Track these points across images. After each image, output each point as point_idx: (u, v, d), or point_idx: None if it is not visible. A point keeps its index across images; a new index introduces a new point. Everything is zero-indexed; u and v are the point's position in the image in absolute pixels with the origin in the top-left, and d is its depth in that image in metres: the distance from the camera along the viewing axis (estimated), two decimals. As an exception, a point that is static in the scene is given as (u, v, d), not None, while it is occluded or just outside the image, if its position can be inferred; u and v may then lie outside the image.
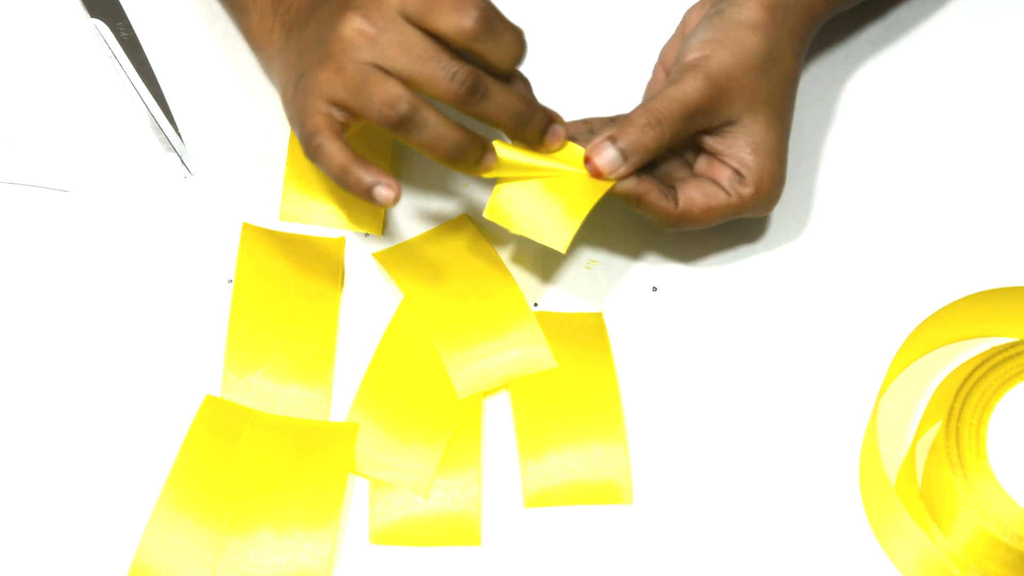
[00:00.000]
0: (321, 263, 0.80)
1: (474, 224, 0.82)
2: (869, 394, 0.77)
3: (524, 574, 0.73)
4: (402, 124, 0.71)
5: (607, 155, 0.75)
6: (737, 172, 0.77)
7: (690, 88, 0.75)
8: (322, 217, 0.83)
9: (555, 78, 0.85)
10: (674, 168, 0.79)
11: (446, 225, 0.82)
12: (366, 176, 0.72)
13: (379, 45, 0.71)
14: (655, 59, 0.83)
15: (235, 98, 0.86)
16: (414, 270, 0.80)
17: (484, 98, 0.72)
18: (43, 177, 0.83)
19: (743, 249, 0.82)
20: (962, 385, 0.72)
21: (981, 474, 0.69)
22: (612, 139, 0.74)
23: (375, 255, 0.81)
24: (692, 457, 0.75)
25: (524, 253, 0.82)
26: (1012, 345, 0.73)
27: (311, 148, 0.73)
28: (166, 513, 0.72)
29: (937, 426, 0.75)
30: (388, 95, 0.71)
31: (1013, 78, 0.87)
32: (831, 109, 0.86)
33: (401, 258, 0.80)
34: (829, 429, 0.76)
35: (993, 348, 0.73)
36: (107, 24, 0.87)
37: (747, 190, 0.77)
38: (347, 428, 0.75)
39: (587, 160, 0.75)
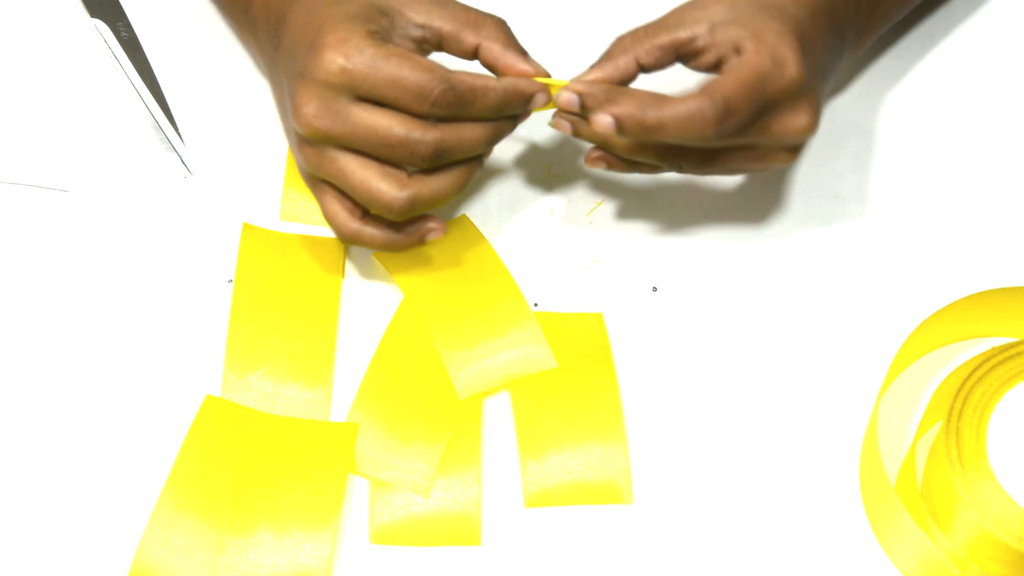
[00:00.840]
0: (321, 263, 0.80)
1: (474, 224, 0.82)
2: (869, 394, 0.77)
3: (524, 574, 0.73)
4: (407, 206, 0.73)
5: (566, 97, 0.73)
6: (735, 49, 0.72)
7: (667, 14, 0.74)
8: (322, 217, 0.82)
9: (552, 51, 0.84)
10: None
11: (446, 225, 0.82)
12: (413, 234, 0.75)
13: (336, 134, 0.71)
14: None
15: (235, 98, 0.86)
16: (414, 270, 0.80)
17: (450, 155, 0.72)
18: (43, 177, 0.83)
19: (743, 249, 0.81)
20: (962, 385, 0.72)
21: (981, 474, 0.69)
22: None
23: (375, 255, 0.81)
24: (692, 457, 0.75)
25: (524, 253, 0.82)
26: (1012, 345, 0.73)
27: (345, 237, 0.75)
28: (166, 513, 0.72)
29: (937, 426, 0.75)
30: (382, 196, 0.72)
31: (1012, 78, 0.87)
32: (830, 111, 0.86)
33: (401, 258, 0.80)
34: (829, 429, 0.76)
35: (993, 348, 0.73)
36: (107, 24, 0.87)
37: (749, 46, 0.71)
38: (347, 428, 0.75)
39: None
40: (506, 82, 0.73)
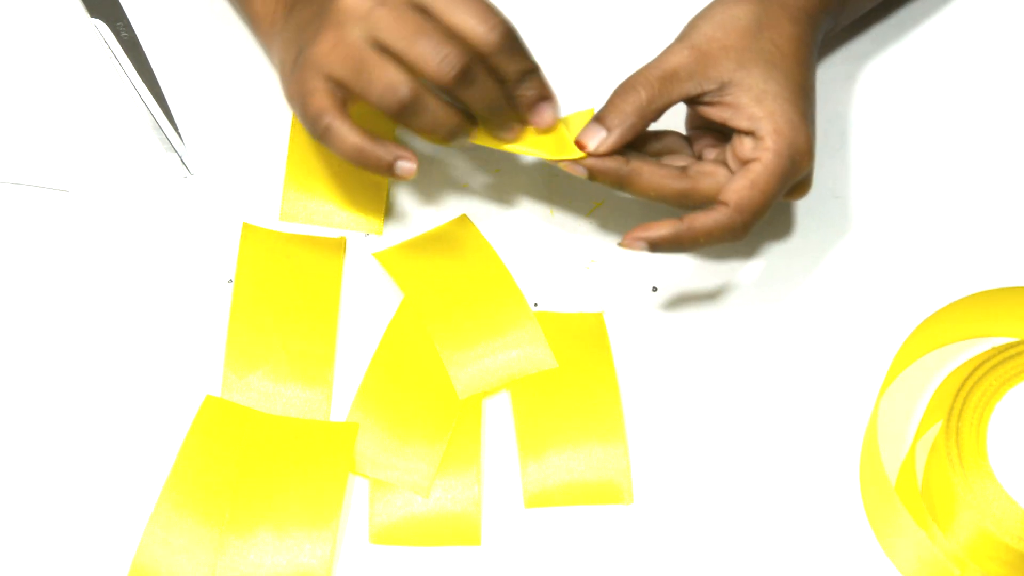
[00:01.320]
0: (321, 263, 0.80)
1: (474, 224, 0.82)
2: (869, 394, 0.77)
3: (524, 574, 0.73)
4: (401, 110, 0.71)
5: (589, 129, 0.74)
6: (751, 133, 0.74)
7: (669, 54, 0.75)
8: (322, 217, 0.83)
9: (565, 76, 0.84)
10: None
11: (446, 225, 0.82)
12: (384, 153, 0.72)
13: (373, 17, 0.71)
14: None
15: (235, 98, 0.86)
16: (414, 270, 0.80)
17: (469, 85, 0.72)
18: (43, 177, 0.83)
19: (743, 249, 0.81)
20: (962, 385, 0.72)
21: (981, 474, 0.69)
22: (596, 117, 0.74)
23: (375, 255, 0.81)
24: (692, 457, 0.75)
25: (524, 253, 0.82)
26: (1012, 345, 0.73)
27: (319, 130, 0.72)
28: (166, 513, 0.72)
29: (937, 426, 0.74)
30: (388, 81, 0.71)
31: (1012, 78, 0.87)
32: (829, 111, 0.86)
33: (401, 258, 0.80)
34: (829, 429, 0.76)
35: (993, 348, 0.73)
36: (107, 24, 0.87)
37: (769, 140, 0.74)
38: (347, 428, 0.75)
39: (577, 142, 0.74)
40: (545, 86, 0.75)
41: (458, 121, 0.73)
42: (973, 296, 0.75)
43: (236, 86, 0.87)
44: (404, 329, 0.78)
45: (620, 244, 0.75)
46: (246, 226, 0.81)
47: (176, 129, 0.85)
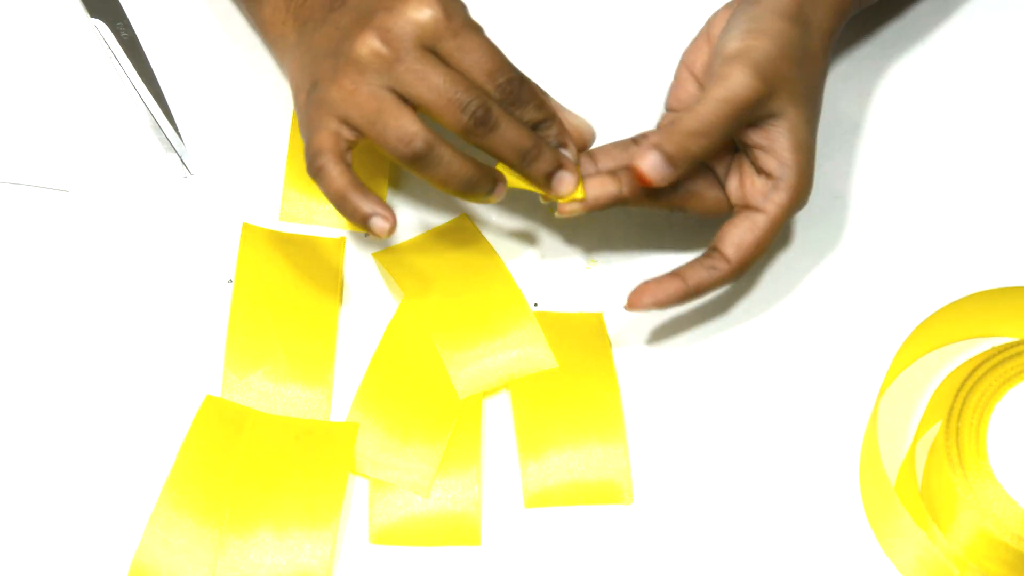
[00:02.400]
0: (321, 263, 0.80)
1: (474, 224, 0.82)
2: (869, 394, 0.77)
3: (524, 574, 0.73)
4: (416, 160, 0.71)
5: (653, 160, 0.72)
6: (771, 176, 0.74)
7: (737, 84, 0.72)
8: (322, 217, 0.83)
9: (572, 82, 0.84)
10: (703, 187, 0.77)
11: (446, 225, 0.82)
12: (364, 205, 0.72)
13: (395, 72, 0.71)
14: (674, 62, 0.80)
15: (235, 98, 0.86)
16: (414, 270, 0.80)
17: (492, 131, 0.72)
18: (43, 177, 0.83)
19: (743, 249, 0.81)
20: (962, 385, 0.72)
21: (981, 474, 0.69)
22: (657, 146, 0.72)
23: (375, 255, 0.81)
24: (692, 457, 0.75)
25: (524, 253, 0.82)
26: (1012, 345, 0.73)
27: (313, 167, 0.73)
28: (166, 513, 0.72)
29: (937, 426, 0.74)
30: (403, 131, 0.71)
31: (1012, 78, 0.87)
32: (829, 111, 0.86)
33: (401, 258, 0.80)
34: (829, 429, 0.76)
35: (993, 348, 0.73)
36: (107, 24, 0.87)
37: (783, 195, 0.74)
38: (347, 428, 0.75)
39: (633, 168, 0.73)
40: (561, 116, 0.75)
41: (472, 174, 0.72)
42: (973, 296, 0.75)
43: (236, 86, 0.87)
44: (404, 329, 0.78)
45: (627, 308, 0.75)
46: (246, 226, 0.81)
47: (176, 129, 0.85)
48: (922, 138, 0.85)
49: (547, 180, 0.74)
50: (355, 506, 0.74)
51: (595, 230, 0.82)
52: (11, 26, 0.88)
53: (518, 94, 0.72)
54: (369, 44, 0.71)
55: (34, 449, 0.75)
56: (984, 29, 0.89)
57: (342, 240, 0.82)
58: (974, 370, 0.72)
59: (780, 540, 0.73)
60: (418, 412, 0.76)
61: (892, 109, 0.86)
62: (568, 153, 0.75)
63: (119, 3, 0.88)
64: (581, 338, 0.78)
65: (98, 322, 0.79)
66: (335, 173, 0.72)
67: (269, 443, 0.74)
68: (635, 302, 0.75)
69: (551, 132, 0.74)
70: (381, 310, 0.80)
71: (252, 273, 0.79)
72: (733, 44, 0.73)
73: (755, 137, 0.74)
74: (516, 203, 0.83)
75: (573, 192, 0.75)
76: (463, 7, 0.73)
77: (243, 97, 0.86)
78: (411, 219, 0.83)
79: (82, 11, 0.88)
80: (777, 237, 0.76)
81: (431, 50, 0.71)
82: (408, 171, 0.75)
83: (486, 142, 0.72)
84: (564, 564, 0.73)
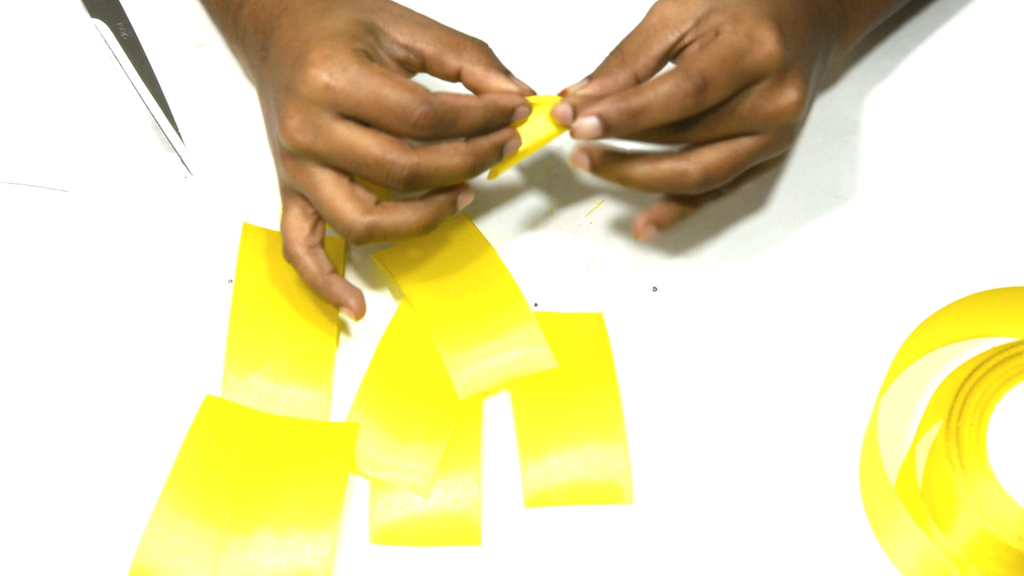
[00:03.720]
0: (321, 263, 0.80)
1: (474, 224, 0.82)
2: (869, 394, 0.77)
3: (524, 574, 0.73)
4: (365, 241, 0.73)
5: (561, 110, 0.72)
6: (715, 32, 0.72)
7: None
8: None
9: (539, 70, 0.84)
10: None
11: (446, 225, 0.82)
12: (335, 293, 0.75)
13: (318, 152, 0.72)
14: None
15: (235, 98, 0.86)
16: (414, 270, 0.80)
17: (429, 179, 0.72)
18: (43, 177, 0.83)
19: (743, 249, 0.81)
20: (962, 385, 0.72)
21: (981, 474, 0.69)
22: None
23: (375, 255, 0.81)
24: (692, 457, 0.75)
25: (524, 253, 0.82)
26: (1012, 345, 0.73)
27: (287, 254, 0.75)
28: (166, 513, 0.72)
29: (937, 426, 0.75)
30: (342, 223, 0.72)
31: (1012, 78, 0.87)
32: (830, 111, 0.86)
33: (401, 258, 0.80)
34: (829, 429, 0.76)
35: (993, 348, 0.73)
36: (107, 24, 0.87)
37: (726, 35, 0.71)
38: (347, 428, 0.75)
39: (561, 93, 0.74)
40: (486, 99, 0.73)
41: (427, 217, 0.74)
42: (973, 296, 0.75)
43: (236, 86, 0.87)
44: (404, 329, 0.78)
45: (639, 239, 0.76)
46: (246, 226, 0.81)
47: (176, 129, 0.85)
48: (922, 138, 0.85)
49: (501, 159, 0.74)
50: (355, 506, 0.74)
51: (595, 230, 0.82)
52: (11, 26, 0.88)
53: (438, 119, 0.71)
54: (288, 130, 0.72)
55: (34, 449, 0.75)
56: (984, 29, 0.89)
57: (342, 240, 0.82)
58: (974, 370, 0.72)
59: (780, 540, 0.73)
60: (418, 412, 0.76)
61: (892, 109, 0.86)
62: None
63: (119, 3, 0.88)
64: (581, 338, 0.78)
65: (98, 322, 0.79)
66: (306, 263, 0.75)
67: (269, 443, 0.74)
68: (644, 232, 0.76)
69: (478, 118, 0.73)
70: (381, 310, 0.80)
71: (252, 273, 0.79)
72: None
73: (694, 49, 0.73)
74: (516, 203, 0.83)
75: (516, 149, 0.74)
76: (348, 48, 0.71)
77: (243, 97, 0.86)
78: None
79: (82, 11, 0.88)
80: (733, 73, 0.71)
81: (342, 113, 0.71)
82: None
83: (430, 185, 0.73)
84: (564, 564, 0.73)
